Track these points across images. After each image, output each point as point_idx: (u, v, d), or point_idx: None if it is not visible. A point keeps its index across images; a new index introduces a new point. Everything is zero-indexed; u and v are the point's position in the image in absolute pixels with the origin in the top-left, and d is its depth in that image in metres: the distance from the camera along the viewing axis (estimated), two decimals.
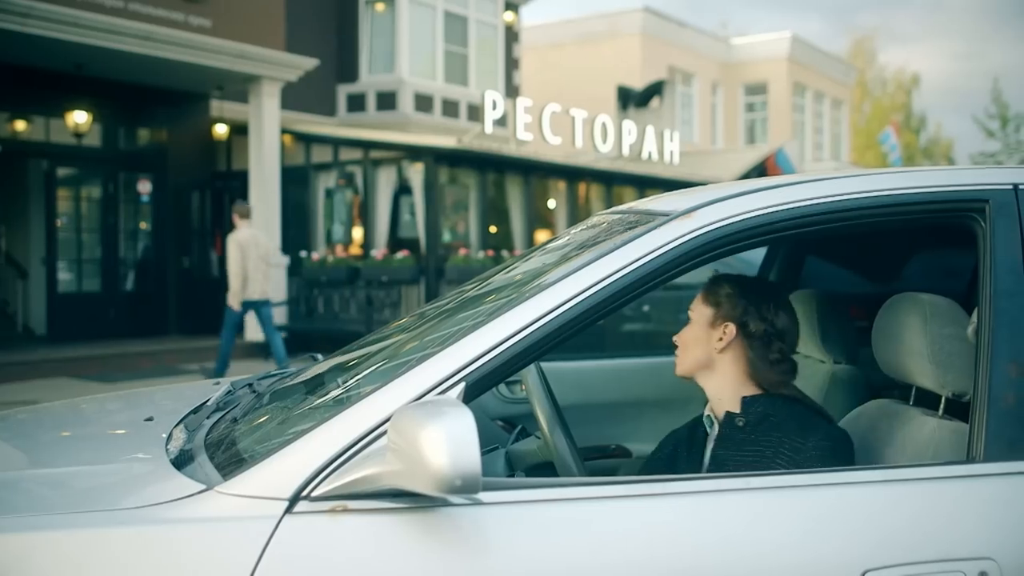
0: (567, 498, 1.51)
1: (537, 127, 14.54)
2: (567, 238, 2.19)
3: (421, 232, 13.10)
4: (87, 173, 13.27)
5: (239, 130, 13.67)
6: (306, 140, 14.11)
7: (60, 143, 12.58)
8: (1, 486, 1.68)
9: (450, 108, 16.81)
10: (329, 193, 13.97)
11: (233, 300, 9.52)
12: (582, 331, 1.63)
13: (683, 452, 2.12)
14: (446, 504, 1.43)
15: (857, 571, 1.47)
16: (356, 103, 16.25)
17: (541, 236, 14.75)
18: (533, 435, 2.17)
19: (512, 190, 14.70)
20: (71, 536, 1.43)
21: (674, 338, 2.11)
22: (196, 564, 1.40)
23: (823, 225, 1.76)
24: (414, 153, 13.33)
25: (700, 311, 2.06)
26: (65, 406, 2.62)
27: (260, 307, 9.75)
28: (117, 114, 13.08)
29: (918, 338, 1.86)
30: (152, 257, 13.58)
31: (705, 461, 2.03)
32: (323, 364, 2.25)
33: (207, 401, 2.25)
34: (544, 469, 2.07)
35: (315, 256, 13.53)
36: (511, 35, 18.75)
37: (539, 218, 15.30)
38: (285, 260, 13.04)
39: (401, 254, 12.91)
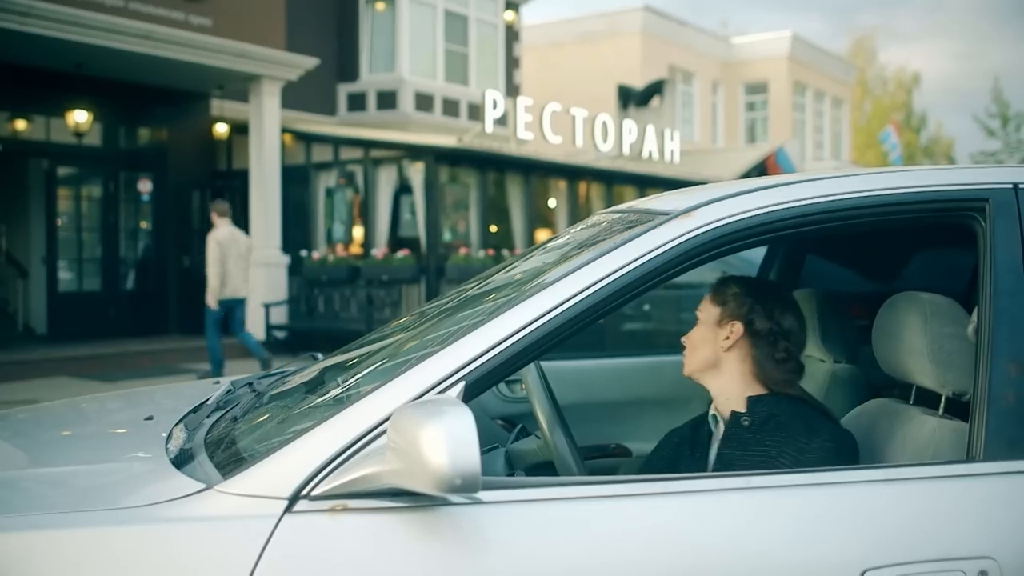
0: (567, 497, 1.51)
1: (537, 126, 14.54)
2: (567, 237, 2.19)
3: (421, 231, 13.10)
4: (87, 172, 13.28)
5: (239, 129, 13.67)
6: (306, 139, 14.11)
7: (60, 142, 12.59)
8: (1, 485, 1.68)
9: (450, 107, 16.81)
10: (329, 192, 13.97)
11: (211, 298, 9.54)
12: (582, 330, 1.63)
13: (686, 451, 2.12)
14: (446, 503, 1.43)
15: (857, 570, 1.47)
16: (356, 102, 16.25)
17: (541, 235, 14.75)
18: (533, 434, 2.17)
19: (512, 189, 14.70)
20: (71, 535, 1.43)
21: (683, 339, 2.13)
22: (196, 563, 1.40)
23: (823, 224, 1.76)
24: (414, 152, 13.33)
25: (708, 311, 2.08)
26: (65, 405, 2.63)
27: (236, 306, 9.73)
28: (117, 113, 13.08)
29: (918, 337, 1.86)
30: (152, 256, 13.59)
31: (710, 460, 2.04)
32: (323, 363, 2.25)
33: (207, 400, 2.26)
34: (544, 468, 2.07)
35: (315, 255, 13.53)
36: (511, 34, 18.75)
37: (539, 217, 15.30)
38: (285, 259, 13.04)
39: (401, 253, 12.92)
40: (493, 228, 14.44)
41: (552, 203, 15.79)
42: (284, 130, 13.41)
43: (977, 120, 38.73)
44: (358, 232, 13.69)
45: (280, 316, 12.99)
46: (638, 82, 23.88)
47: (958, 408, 1.80)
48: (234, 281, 9.61)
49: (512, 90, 18.13)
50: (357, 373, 1.86)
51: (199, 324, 10.59)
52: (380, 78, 16.15)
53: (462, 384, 1.51)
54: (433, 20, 16.54)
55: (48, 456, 1.98)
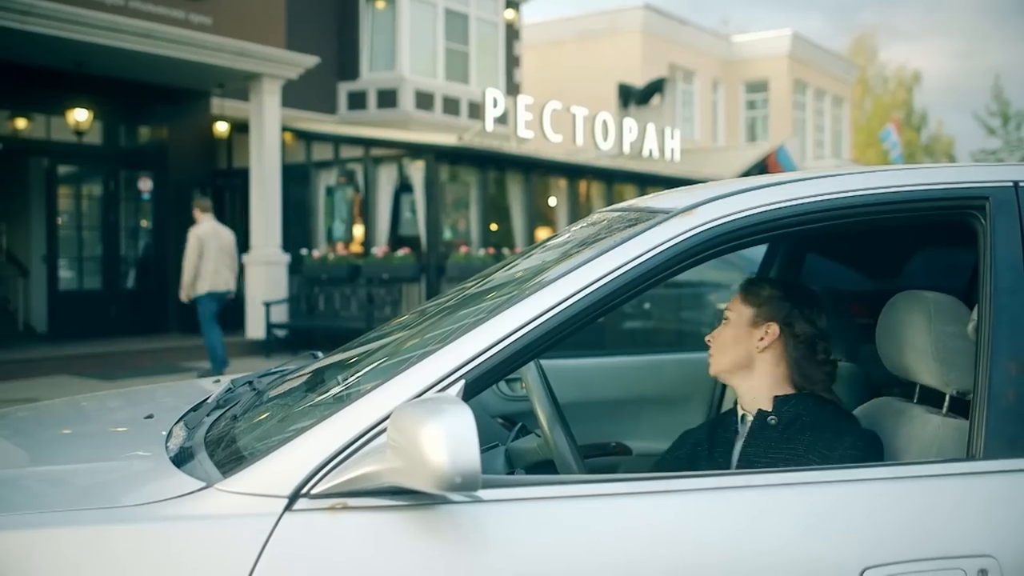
0: (567, 495, 1.50)
1: (538, 125, 14.53)
2: (567, 235, 2.19)
3: (422, 230, 13.10)
4: (88, 171, 13.28)
5: (240, 128, 13.67)
6: (307, 138, 14.10)
7: (61, 141, 12.58)
8: (1, 483, 1.68)
9: (451, 106, 16.80)
10: (330, 191, 13.97)
11: (183, 293, 9.74)
12: (582, 328, 1.63)
13: (704, 451, 2.13)
14: (446, 501, 1.43)
15: (857, 568, 1.47)
16: (357, 101, 16.25)
17: (542, 234, 14.74)
18: (533, 433, 2.17)
19: (513, 188, 14.70)
20: (71, 533, 1.43)
21: (707, 338, 2.13)
22: (196, 562, 1.40)
23: (824, 222, 1.76)
24: (415, 151, 13.33)
25: (739, 311, 2.08)
26: (65, 404, 2.63)
27: (208, 302, 9.79)
28: (118, 112, 13.07)
29: (922, 336, 1.86)
30: (153, 255, 13.58)
31: (733, 459, 2.04)
32: (323, 361, 2.25)
33: (207, 399, 2.26)
34: (544, 467, 2.07)
35: (316, 254, 13.53)
36: (512, 33, 18.74)
37: (540, 216, 15.29)
38: (286, 258, 13.05)
39: (402, 252, 12.91)
40: (493, 226, 14.44)
41: (552, 201, 15.79)
42: (284, 129, 13.41)
43: (977, 118, 38.75)
44: (358, 231, 13.69)
45: (280, 315, 12.99)
46: (638, 80, 23.86)
47: (962, 407, 1.80)
48: (221, 275, 9.73)
49: (512, 88, 18.12)
50: (357, 371, 1.86)
51: (199, 323, 10.61)
52: (380, 76, 16.15)
53: (462, 382, 1.51)
54: (433, 18, 16.53)
55: (48, 454, 1.98)
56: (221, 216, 14.14)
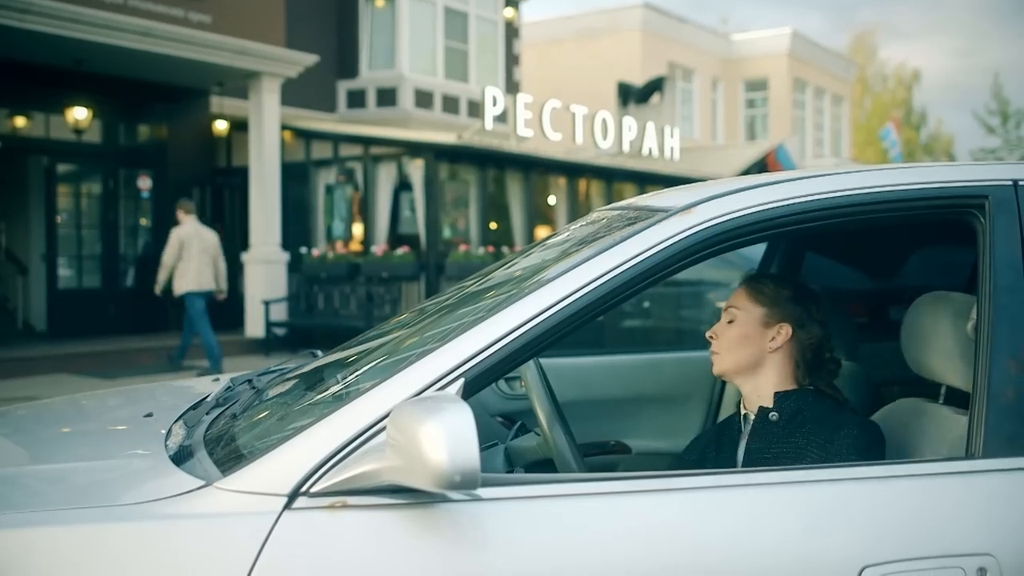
0: (566, 494, 1.51)
1: (537, 123, 14.53)
2: (567, 234, 2.19)
3: (421, 228, 13.10)
4: (87, 169, 13.27)
5: (239, 126, 13.66)
6: (306, 136, 14.10)
7: (60, 139, 12.57)
8: (1, 482, 1.68)
9: (450, 104, 16.80)
10: (329, 189, 13.96)
11: (157, 286, 10.28)
12: (581, 327, 1.63)
13: (712, 453, 2.13)
14: (445, 500, 1.42)
15: (857, 567, 1.47)
16: (356, 99, 16.24)
17: (541, 232, 14.74)
18: (532, 431, 2.17)
19: (512, 186, 14.70)
20: (70, 532, 1.42)
21: (709, 334, 2.10)
22: (195, 560, 1.40)
23: (823, 221, 1.76)
24: (414, 149, 13.32)
25: (748, 309, 2.06)
26: (65, 402, 2.63)
27: (194, 299, 10.15)
28: (117, 110, 13.07)
29: (948, 337, 1.85)
30: (152, 253, 13.54)
31: (739, 457, 2.05)
32: (323, 360, 2.25)
33: (206, 397, 2.26)
34: (543, 465, 2.07)
35: (315, 252, 13.53)
36: (511, 31, 18.73)
37: (539, 214, 15.29)
38: (285, 256, 13.04)
39: (401, 250, 12.91)
40: (493, 225, 14.44)
41: (552, 200, 15.79)
42: (284, 127, 13.40)
43: (977, 117, 38.78)
44: (358, 229, 13.68)
45: (280, 313, 12.99)
46: (638, 79, 23.86)
47: None
48: (204, 275, 10.11)
49: (512, 87, 18.11)
50: (357, 370, 1.86)
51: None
52: (380, 75, 16.14)
53: (461, 381, 1.51)
54: (433, 17, 16.52)
55: (48, 453, 1.98)
56: (221, 215, 14.20)
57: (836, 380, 2.11)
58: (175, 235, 10.12)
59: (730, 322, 2.07)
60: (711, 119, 28.20)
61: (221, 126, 14.10)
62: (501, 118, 14.09)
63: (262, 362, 10.87)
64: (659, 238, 1.66)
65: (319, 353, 2.49)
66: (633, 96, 23.58)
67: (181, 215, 10.25)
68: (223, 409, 2.08)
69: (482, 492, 1.42)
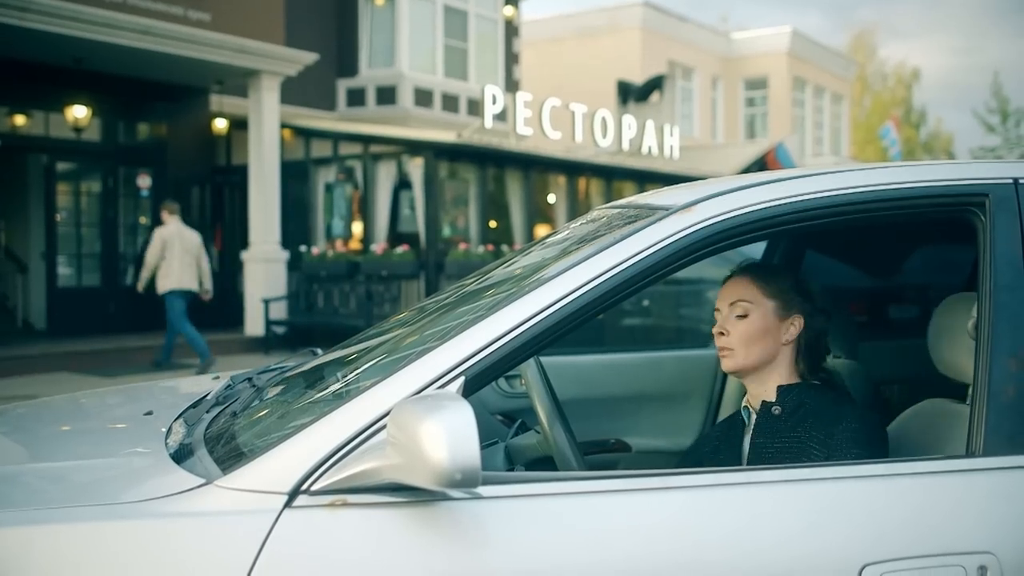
0: (567, 492, 1.50)
1: (537, 122, 14.53)
2: (567, 233, 2.18)
3: (421, 227, 13.09)
4: (86, 167, 13.26)
5: (239, 125, 13.66)
6: (306, 135, 14.09)
7: (59, 137, 12.56)
8: (1, 480, 1.68)
9: (450, 103, 16.79)
10: (329, 188, 13.96)
11: (140, 284, 10.51)
12: (582, 326, 1.63)
13: (724, 448, 2.12)
14: (446, 498, 1.42)
15: (857, 565, 1.47)
16: (356, 97, 16.23)
17: (541, 231, 14.74)
18: (532, 429, 2.17)
19: (512, 185, 14.69)
20: (70, 530, 1.42)
21: (721, 331, 2.03)
22: (195, 558, 1.39)
23: (823, 219, 1.75)
24: (414, 148, 13.32)
25: (760, 302, 2.01)
26: (65, 400, 2.62)
27: (174, 299, 10.33)
28: (116, 108, 13.06)
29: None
30: None
31: (744, 451, 2.04)
32: (323, 358, 2.25)
33: (207, 395, 2.25)
34: (543, 463, 2.07)
35: (315, 251, 13.53)
36: (511, 29, 18.72)
37: (539, 213, 15.29)
38: (285, 255, 13.04)
39: (401, 249, 12.91)
40: (492, 224, 14.43)
41: (551, 199, 15.79)
42: (283, 125, 13.40)
43: (977, 116, 38.78)
44: (357, 227, 13.68)
45: (279, 311, 12.99)
46: (638, 77, 23.85)
47: None
48: (186, 274, 10.32)
49: (511, 85, 18.10)
50: (357, 368, 1.86)
51: (198, 320, 10.66)
52: (379, 73, 16.13)
53: (462, 379, 1.51)
54: (432, 15, 16.51)
55: (47, 451, 1.98)
56: (221, 214, 14.19)
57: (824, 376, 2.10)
58: (158, 235, 10.35)
59: (740, 316, 2.01)
60: (711, 117, 28.19)
61: (221, 124, 14.09)
62: (501, 116, 14.09)
63: (262, 360, 10.87)
64: (659, 236, 1.66)
65: (319, 351, 2.49)
66: (633, 94, 23.58)
67: (165, 215, 10.48)
68: (223, 407, 2.08)
69: (482, 490, 1.42)
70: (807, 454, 1.89)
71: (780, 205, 1.71)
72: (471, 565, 1.41)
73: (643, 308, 11.07)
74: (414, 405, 1.37)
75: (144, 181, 13.35)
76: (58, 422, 2.29)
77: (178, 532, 1.42)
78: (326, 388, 1.84)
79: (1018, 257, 1.69)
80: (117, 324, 12.72)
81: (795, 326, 2.01)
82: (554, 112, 14.72)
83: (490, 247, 13.56)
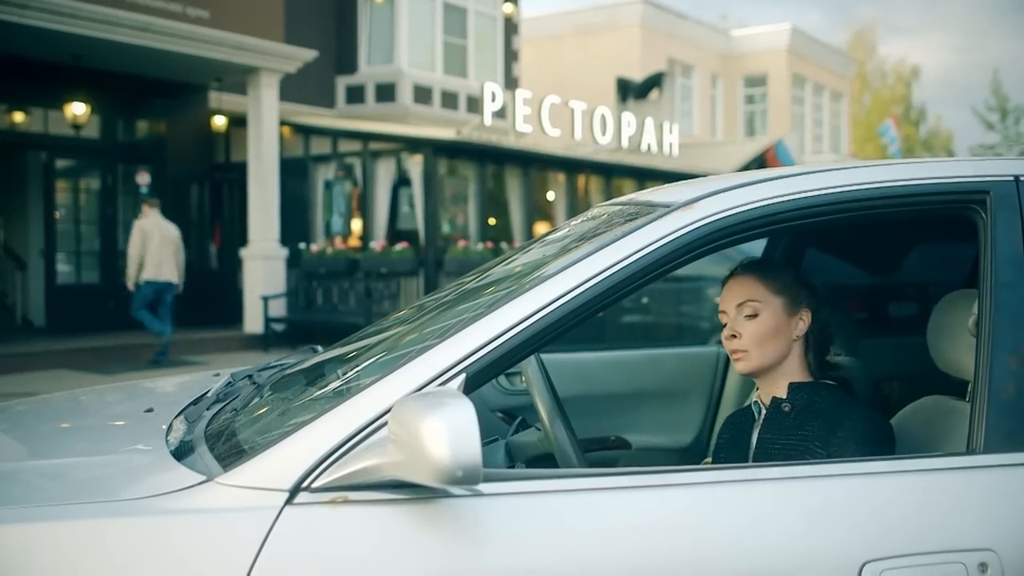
0: (567, 489, 1.50)
1: (536, 119, 14.52)
2: (567, 230, 2.18)
3: (420, 224, 13.09)
4: (85, 165, 13.25)
5: (238, 122, 13.65)
6: (305, 132, 14.08)
7: (58, 135, 12.56)
8: (0, 477, 1.68)
9: (449, 100, 16.78)
10: (328, 185, 13.95)
11: (129, 281, 10.73)
12: (582, 323, 1.63)
13: (736, 442, 2.12)
14: (447, 495, 1.42)
15: (857, 563, 1.47)
16: (355, 95, 16.22)
17: (540, 228, 14.73)
18: (533, 426, 2.17)
19: (511, 182, 14.69)
20: (70, 527, 1.42)
21: (733, 334, 1.99)
22: (196, 555, 1.39)
23: (823, 216, 1.75)
24: (413, 145, 13.31)
25: (768, 300, 1.98)
26: (64, 397, 2.62)
27: (164, 290, 10.68)
28: (115, 105, 13.05)
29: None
30: None
31: (751, 446, 2.04)
32: (323, 356, 2.25)
33: (207, 392, 2.25)
34: (544, 460, 2.07)
35: (314, 248, 13.52)
36: (510, 27, 18.70)
37: (538, 210, 15.28)
38: (284, 252, 13.04)
39: (400, 246, 12.90)
40: (492, 221, 14.43)
41: (551, 196, 15.78)
42: (282, 122, 13.38)
43: (976, 113, 38.78)
44: (356, 225, 13.68)
45: (279, 309, 12.98)
46: (637, 75, 23.84)
47: None
48: (163, 267, 10.63)
49: (511, 83, 18.09)
50: (357, 365, 1.86)
51: (198, 317, 10.70)
52: (379, 70, 16.12)
53: (463, 376, 1.51)
54: (432, 12, 16.50)
55: (47, 448, 1.98)
56: (220, 211, 14.18)
57: (837, 375, 2.10)
58: (137, 227, 10.61)
59: (749, 316, 1.98)
60: (710, 115, 28.19)
61: (220, 121, 14.08)
62: (500, 114, 14.08)
63: (261, 357, 10.87)
64: (660, 234, 1.66)
65: (319, 349, 2.49)
66: (632, 92, 23.56)
67: (145, 209, 10.78)
68: (224, 404, 2.08)
69: (483, 487, 1.42)
70: (810, 452, 1.89)
71: (781, 202, 1.71)
72: (472, 562, 1.41)
73: (643, 305, 11.07)
74: (415, 402, 1.37)
75: (143, 178, 13.33)
76: (58, 419, 2.29)
77: (179, 529, 1.42)
78: (327, 385, 1.84)
79: (1019, 254, 1.69)
80: (116, 321, 12.70)
81: (804, 321, 1.99)
82: (553, 109, 14.72)
83: (489, 244, 13.55)
